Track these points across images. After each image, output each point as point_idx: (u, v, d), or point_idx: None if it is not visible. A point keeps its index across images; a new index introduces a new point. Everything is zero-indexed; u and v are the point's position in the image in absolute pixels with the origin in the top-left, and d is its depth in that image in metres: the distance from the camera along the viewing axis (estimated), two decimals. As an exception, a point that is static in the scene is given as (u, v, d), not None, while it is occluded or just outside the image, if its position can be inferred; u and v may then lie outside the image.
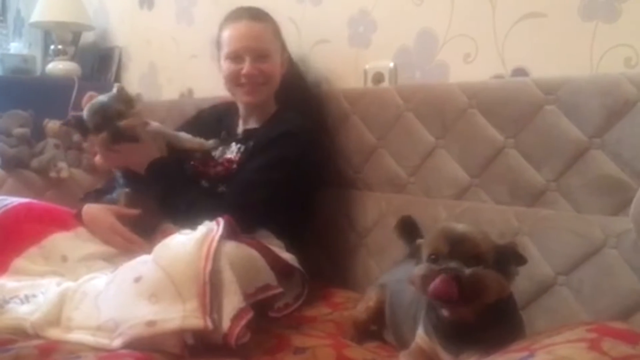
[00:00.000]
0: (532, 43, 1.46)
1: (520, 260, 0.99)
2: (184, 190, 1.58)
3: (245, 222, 1.40)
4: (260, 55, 1.68)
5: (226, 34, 1.72)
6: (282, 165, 1.59)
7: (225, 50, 1.71)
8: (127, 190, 1.61)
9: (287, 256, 1.53)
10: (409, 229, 1.07)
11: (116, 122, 1.50)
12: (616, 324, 0.90)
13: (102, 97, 1.55)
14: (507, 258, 0.98)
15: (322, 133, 1.79)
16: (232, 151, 1.70)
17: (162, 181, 1.58)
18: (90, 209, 1.58)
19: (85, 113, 1.54)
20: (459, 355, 0.98)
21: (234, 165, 1.66)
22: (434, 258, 0.97)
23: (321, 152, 1.76)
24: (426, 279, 0.95)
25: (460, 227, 1.00)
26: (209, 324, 1.12)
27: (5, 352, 1.14)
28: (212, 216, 1.35)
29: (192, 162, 1.73)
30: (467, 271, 0.93)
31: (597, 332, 0.83)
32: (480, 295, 0.94)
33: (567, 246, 1.28)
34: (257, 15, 1.72)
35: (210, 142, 1.73)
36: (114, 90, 1.57)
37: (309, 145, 1.67)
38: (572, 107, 1.31)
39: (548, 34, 1.43)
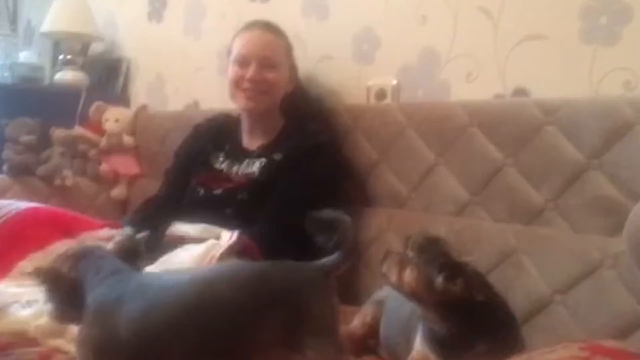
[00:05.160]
0: (532, 64, 1.48)
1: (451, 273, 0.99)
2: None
3: (283, 239, 1.44)
4: (266, 65, 1.69)
5: (237, 40, 1.75)
6: (320, 180, 1.62)
7: (233, 54, 1.74)
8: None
9: None
10: None
11: None
12: (609, 342, 0.89)
13: None
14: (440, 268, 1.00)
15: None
16: (254, 166, 1.69)
17: None
18: None
19: None
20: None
21: (256, 175, 1.66)
22: None
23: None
24: None
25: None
26: None
27: (6, 356, 1.16)
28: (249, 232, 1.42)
29: (197, 180, 1.74)
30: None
31: (590, 351, 0.83)
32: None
33: (564, 265, 1.29)
34: (271, 27, 1.75)
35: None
36: None
37: (338, 158, 1.71)
38: (571, 128, 1.33)
39: (549, 56, 1.45)
